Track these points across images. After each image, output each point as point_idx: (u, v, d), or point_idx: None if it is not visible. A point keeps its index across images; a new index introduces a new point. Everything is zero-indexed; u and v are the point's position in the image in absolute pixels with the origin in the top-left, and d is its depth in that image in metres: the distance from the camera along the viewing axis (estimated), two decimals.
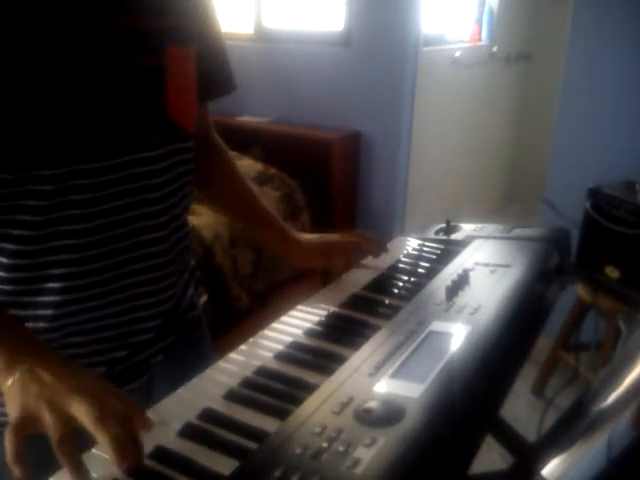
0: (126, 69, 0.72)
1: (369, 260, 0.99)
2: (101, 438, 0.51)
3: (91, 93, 0.69)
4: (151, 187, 0.77)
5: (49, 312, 0.75)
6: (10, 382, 0.58)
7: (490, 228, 1.08)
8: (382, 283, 0.91)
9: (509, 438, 0.72)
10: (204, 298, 1.01)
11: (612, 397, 0.58)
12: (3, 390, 0.58)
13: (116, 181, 0.73)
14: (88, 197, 0.71)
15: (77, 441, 0.53)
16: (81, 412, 0.53)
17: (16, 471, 0.51)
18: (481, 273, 0.86)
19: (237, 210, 1.07)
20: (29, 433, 0.54)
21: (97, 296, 0.76)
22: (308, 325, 0.79)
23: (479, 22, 3.85)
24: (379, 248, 0.99)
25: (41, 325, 0.75)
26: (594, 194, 2.09)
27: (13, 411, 0.55)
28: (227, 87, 0.95)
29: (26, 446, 0.52)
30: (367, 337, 0.72)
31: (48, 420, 0.53)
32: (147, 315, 0.82)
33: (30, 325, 0.75)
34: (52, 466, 0.53)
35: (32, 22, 0.65)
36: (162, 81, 0.76)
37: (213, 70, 0.90)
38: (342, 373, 0.64)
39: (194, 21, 0.82)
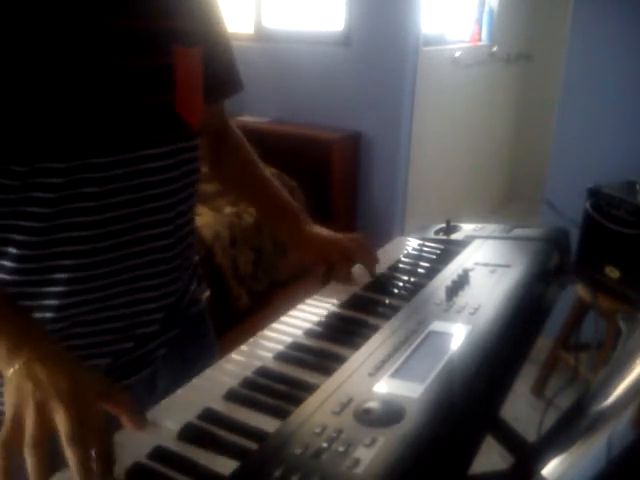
0: (135, 68, 0.74)
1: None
2: (69, 457, 0.53)
3: (101, 90, 0.71)
4: (158, 183, 0.78)
5: (56, 302, 0.76)
6: (10, 373, 0.60)
7: (490, 228, 1.08)
8: (382, 283, 0.91)
9: (509, 438, 0.72)
10: (207, 293, 1.02)
11: (612, 397, 0.58)
12: (5, 377, 0.61)
13: (124, 176, 0.75)
14: (97, 190, 0.73)
15: (48, 451, 0.54)
16: (61, 425, 0.55)
17: None
18: (481, 273, 0.86)
19: (252, 197, 1.10)
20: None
21: (103, 287, 0.77)
22: (308, 325, 0.79)
23: (479, 22, 3.85)
24: (373, 259, 0.96)
25: (47, 315, 0.76)
26: (594, 194, 2.09)
27: (7, 411, 0.58)
28: (236, 86, 0.97)
29: (9, 461, 0.55)
30: (367, 337, 0.72)
31: (30, 424, 0.55)
32: (151, 308, 0.83)
33: (37, 315, 0.76)
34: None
35: (46, 20, 0.67)
36: (170, 80, 0.78)
37: (221, 70, 0.92)
38: (342, 373, 0.64)
39: (199, 21, 0.83)
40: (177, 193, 0.82)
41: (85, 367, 0.63)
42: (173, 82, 0.78)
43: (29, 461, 0.53)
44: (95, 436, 0.55)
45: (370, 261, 0.95)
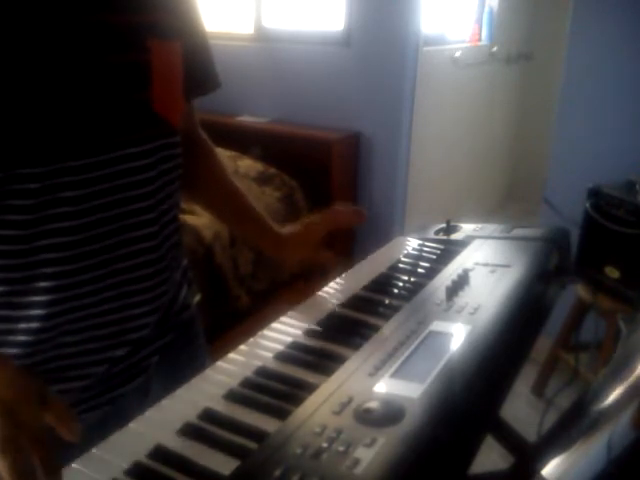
0: (111, 65, 0.72)
1: (369, 260, 0.99)
2: (1, 465, 0.50)
3: (76, 90, 0.69)
4: (138, 183, 0.76)
5: (42, 311, 0.74)
6: None
7: (490, 228, 1.08)
8: (382, 283, 0.91)
9: (509, 438, 0.72)
10: (197, 297, 1.01)
11: (612, 397, 0.58)
12: None
13: (103, 178, 0.73)
14: (76, 194, 0.71)
15: None
16: None
17: None
18: (481, 273, 0.86)
19: (222, 208, 1.05)
20: None
21: (89, 294, 0.76)
22: (308, 325, 0.79)
23: (479, 22, 3.86)
24: (356, 215, 0.95)
25: (35, 325, 0.75)
26: (594, 194, 2.09)
27: None
28: (211, 84, 0.94)
29: None
30: (367, 337, 0.72)
31: None
32: (141, 312, 0.82)
33: (24, 326, 0.75)
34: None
35: (15, 20, 0.65)
36: (148, 77, 0.76)
37: (197, 67, 0.89)
38: (342, 373, 0.64)
39: (178, 16, 0.81)
40: (159, 192, 0.80)
41: (22, 371, 0.59)
42: (151, 78, 0.76)
43: None
44: (36, 441, 0.52)
45: (354, 216, 0.95)
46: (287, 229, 1.01)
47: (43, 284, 0.73)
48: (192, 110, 0.96)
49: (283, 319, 0.81)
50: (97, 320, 0.78)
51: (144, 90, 0.76)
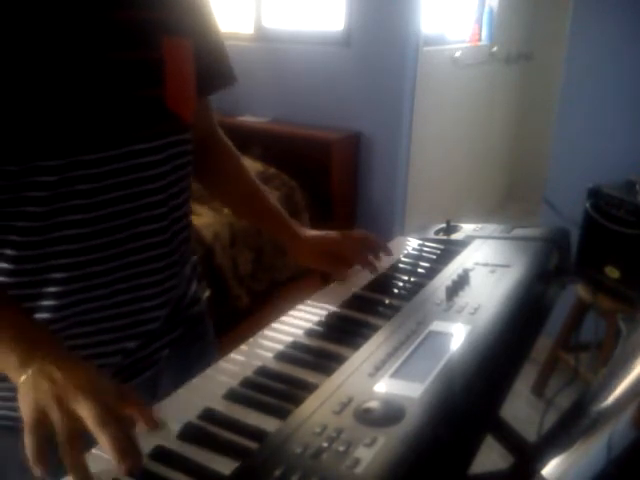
0: (124, 62, 0.73)
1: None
2: (102, 439, 0.52)
3: (90, 85, 0.70)
4: (151, 178, 0.78)
5: (53, 303, 0.75)
6: (23, 379, 0.59)
7: (490, 228, 1.08)
8: (382, 283, 0.91)
9: (509, 438, 0.72)
10: (207, 293, 1.02)
11: (612, 397, 0.58)
12: (17, 385, 0.59)
13: (117, 172, 0.74)
14: (90, 187, 0.72)
15: (83, 442, 0.54)
16: (85, 412, 0.54)
17: (37, 471, 0.53)
18: (481, 273, 0.86)
19: (242, 207, 1.08)
20: (45, 434, 0.54)
21: (100, 286, 0.77)
22: (308, 325, 0.79)
23: (479, 22, 3.85)
24: (382, 248, 0.98)
25: (45, 316, 0.76)
26: (594, 194, 2.09)
27: (26, 408, 0.56)
28: (227, 80, 0.95)
29: (46, 446, 0.54)
30: (367, 337, 0.72)
31: (56, 417, 0.54)
32: (152, 305, 0.83)
33: (36, 316, 0.75)
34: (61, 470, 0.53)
35: (32, 16, 0.66)
36: (160, 73, 0.77)
37: (211, 63, 0.90)
38: (342, 373, 0.64)
39: (189, 13, 0.82)
40: (170, 187, 0.81)
41: (98, 370, 0.62)
42: (163, 75, 0.77)
43: (65, 458, 0.52)
44: (121, 421, 0.54)
45: (379, 248, 0.97)
46: (313, 234, 1.03)
47: (56, 275, 0.74)
48: (208, 108, 0.98)
49: (283, 318, 0.81)
50: (108, 312, 0.79)
51: (157, 87, 0.77)
